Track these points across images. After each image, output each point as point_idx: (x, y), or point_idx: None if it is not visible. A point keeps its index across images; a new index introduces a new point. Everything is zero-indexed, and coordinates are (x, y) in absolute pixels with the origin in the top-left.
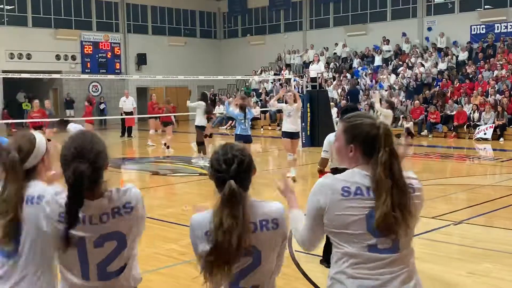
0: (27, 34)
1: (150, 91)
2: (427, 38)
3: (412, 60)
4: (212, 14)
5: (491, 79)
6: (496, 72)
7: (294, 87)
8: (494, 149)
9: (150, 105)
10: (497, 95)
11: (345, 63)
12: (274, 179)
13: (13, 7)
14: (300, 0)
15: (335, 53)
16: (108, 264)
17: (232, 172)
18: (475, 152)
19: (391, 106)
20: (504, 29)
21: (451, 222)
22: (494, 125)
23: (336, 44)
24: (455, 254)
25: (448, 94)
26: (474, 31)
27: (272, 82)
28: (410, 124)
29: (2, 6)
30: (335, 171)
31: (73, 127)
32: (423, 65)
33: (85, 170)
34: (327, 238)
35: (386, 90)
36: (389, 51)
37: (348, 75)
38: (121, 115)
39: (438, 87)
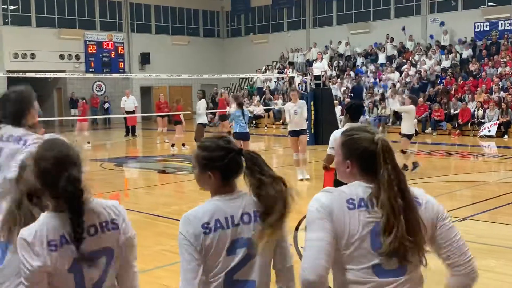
0: (31, 34)
1: (154, 90)
2: (431, 36)
3: (416, 58)
4: (215, 13)
5: (495, 76)
6: (500, 69)
7: (299, 85)
8: (498, 146)
9: (157, 104)
10: (501, 92)
11: (349, 61)
12: None
13: (17, 7)
14: None
15: (337, 52)
16: (103, 282)
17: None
18: (480, 149)
19: (414, 101)
20: (508, 26)
21: (456, 219)
22: (498, 122)
23: (340, 42)
24: None
25: (452, 92)
26: (477, 28)
27: (275, 81)
28: (414, 122)
29: (6, 6)
30: None
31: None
32: (425, 63)
33: (78, 175)
34: None
35: (390, 88)
36: (395, 45)
37: (352, 73)
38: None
39: (442, 84)
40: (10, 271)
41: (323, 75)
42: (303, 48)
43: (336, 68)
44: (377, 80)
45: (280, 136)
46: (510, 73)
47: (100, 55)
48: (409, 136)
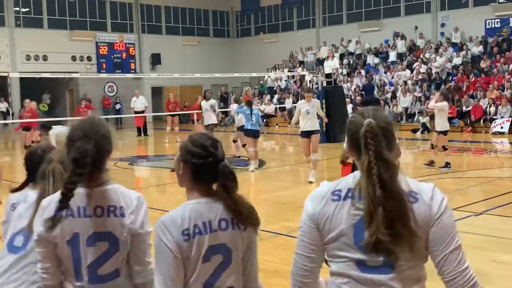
0: (43, 36)
1: (165, 90)
2: (442, 34)
3: (427, 55)
4: (225, 13)
5: (506, 73)
6: (511, 66)
7: (309, 83)
8: (511, 143)
9: (167, 104)
10: None
11: (359, 60)
12: None
13: (29, 9)
14: None
15: (347, 50)
16: (99, 266)
17: (221, 156)
18: (492, 145)
19: (445, 98)
20: None
21: (472, 213)
22: (510, 118)
23: (350, 41)
24: (477, 243)
25: (464, 89)
26: (488, 25)
27: (286, 80)
28: (426, 119)
29: (18, 8)
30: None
31: (55, 132)
32: (436, 60)
33: (90, 149)
34: None
35: (400, 86)
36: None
37: (363, 71)
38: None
39: (453, 82)
40: (31, 259)
41: (334, 73)
42: (313, 47)
43: (347, 66)
44: (389, 76)
45: (292, 135)
46: None
47: (112, 56)
48: (444, 133)
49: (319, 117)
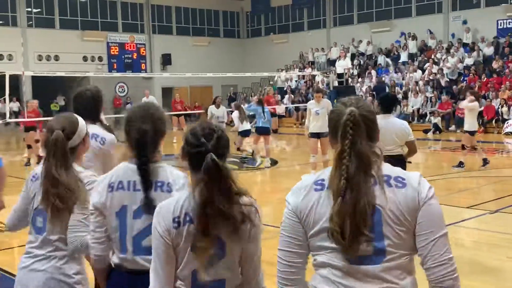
0: (55, 36)
1: (175, 91)
2: (452, 35)
3: (438, 55)
4: (235, 13)
5: None
6: None
7: (320, 83)
8: None
9: (172, 103)
10: None
11: (370, 60)
12: None
13: (41, 9)
14: None
15: (358, 51)
16: (144, 238)
17: (212, 146)
18: (504, 146)
19: (476, 97)
20: None
21: (487, 211)
22: None
23: (360, 41)
24: (493, 241)
25: (476, 89)
26: (500, 25)
27: (296, 80)
28: (437, 120)
29: (30, 9)
30: (387, 159)
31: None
32: (449, 60)
33: (148, 130)
34: None
35: (411, 86)
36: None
37: (373, 72)
38: None
39: (465, 82)
40: (52, 236)
41: (346, 73)
42: (324, 48)
43: (357, 67)
44: (400, 76)
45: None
46: None
47: (123, 57)
48: (472, 133)
49: None
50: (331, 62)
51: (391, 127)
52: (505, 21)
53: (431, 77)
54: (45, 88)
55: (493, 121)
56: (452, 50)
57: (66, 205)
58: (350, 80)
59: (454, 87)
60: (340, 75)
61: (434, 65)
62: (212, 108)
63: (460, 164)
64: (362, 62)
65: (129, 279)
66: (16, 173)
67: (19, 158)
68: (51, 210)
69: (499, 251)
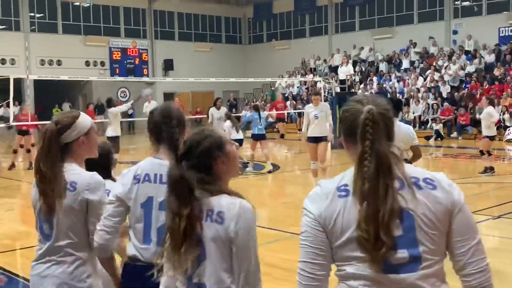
0: (58, 41)
1: (177, 96)
2: (454, 41)
3: (440, 63)
4: (238, 19)
5: None
6: None
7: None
8: None
9: None
10: None
11: (372, 67)
12: None
13: (44, 14)
14: (325, 4)
15: (359, 58)
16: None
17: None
18: (506, 153)
19: (491, 103)
20: None
21: (490, 217)
22: None
23: (362, 48)
24: (498, 245)
25: (477, 96)
26: (502, 33)
27: (298, 87)
28: (439, 126)
29: (33, 13)
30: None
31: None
32: (451, 68)
33: (173, 129)
34: None
35: (413, 93)
36: (419, 51)
37: (375, 79)
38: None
39: (467, 89)
40: (60, 243)
41: (348, 79)
42: (325, 55)
43: (359, 73)
44: (401, 84)
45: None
46: None
47: (125, 62)
48: (491, 138)
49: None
50: (333, 69)
51: (397, 131)
52: (506, 28)
53: (432, 84)
54: (48, 92)
55: (495, 128)
56: (454, 57)
57: (49, 201)
58: (353, 86)
59: (456, 94)
60: (342, 81)
61: (435, 72)
62: (212, 110)
63: (488, 170)
64: (363, 69)
65: (146, 271)
66: (18, 176)
67: (21, 162)
68: (44, 207)
69: (503, 255)
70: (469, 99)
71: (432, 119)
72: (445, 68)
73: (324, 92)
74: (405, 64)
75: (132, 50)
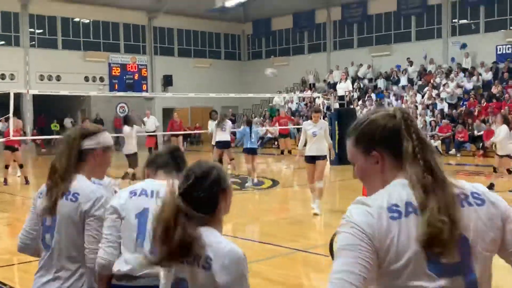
0: (57, 56)
1: (176, 112)
2: (452, 59)
3: (437, 80)
4: (237, 36)
5: None
6: None
7: (321, 105)
8: None
9: (170, 123)
10: None
11: (370, 83)
12: None
13: (43, 30)
14: (323, 22)
15: (357, 76)
16: None
17: (184, 188)
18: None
19: (506, 121)
20: None
21: None
22: None
23: (361, 65)
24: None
25: (476, 114)
26: (499, 51)
27: (297, 103)
28: (438, 143)
29: (33, 29)
30: None
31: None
32: (449, 86)
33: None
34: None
35: (411, 110)
36: (417, 70)
37: (373, 95)
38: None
39: (464, 106)
40: (60, 254)
41: (347, 95)
42: (323, 72)
43: (357, 90)
44: (400, 102)
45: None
46: None
47: (124, 77)
48: (510, 156)
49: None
50: (332, 85)
51: None
52: (504, 46)
53: (430, 102)
54: (47, 107)
55: (493, 145)
56: (452, 75)
57: (52, 202)
58: (351, 102)
59: (454, 111)
60: (341, 98)
61: (433, 89)
62: (210, 122)
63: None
64: (362, 86)
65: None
66: (14, 191)
67: (18, 177)
68: (47, 208)
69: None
70: (467, 116)
71: (430, 136)
72: (444, 85)
73: (323, 108)
74: (403, 81)
75: (132, 66)
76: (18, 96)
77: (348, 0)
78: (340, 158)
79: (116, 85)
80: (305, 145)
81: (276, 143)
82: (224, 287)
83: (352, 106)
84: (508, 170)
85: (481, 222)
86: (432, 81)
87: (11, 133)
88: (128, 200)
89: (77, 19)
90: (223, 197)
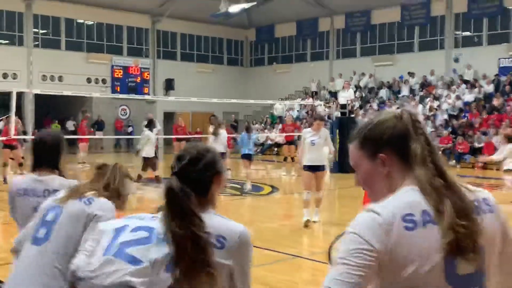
0: (60, 57)
1: (177, 115)
2: (454, 70)
3: (439, 91)
4: (240, 42)
5: None
6: None
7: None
8: None
9: (174, 127)
10: None
11: (371, 93)
12: None
13: (47, 30)
14: (327, 30)
15: (359, 85)
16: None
17: (179, 168)
18: (504, 182)
19: (509, 139)
20: None
21: None
22: None
23: (363, 74)
24: None
25: (477, 126)
26: (502, 64)
27: (298, 110)
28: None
29: (37, 29)
30: None
31: None
32: (450, 97)
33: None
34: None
35: None
36: (418, 82)
37: (375, 105)
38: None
39: (465, 118)
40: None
41: (349, 104)
42: (325, 80)
43: (359, 99)
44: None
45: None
46: None
47: (126, 80)
48: None
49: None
50: (333, 94)
51: None
52: (506, 59)
53: (431, 113)
54: (47, 108)
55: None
56: (453, 87)
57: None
58: (353, 111)
59: (455, 122)
60: (342, 106)
61: (434, 101)
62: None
63: None
64: (364, 95)
65: None
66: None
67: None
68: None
69: None
70: (468, 128)
71: None
72: (446, 96)
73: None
74: (405, 91)
75: (134, 69)
76: (19, 96)
77: (351, 9)
78: (340, 166)
79: (118, 87)
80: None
81: (276, 150)
82: (237, 266)
83: (353, 115)
84: None
85: (491, 231)
86: (433, 92)
87: (12, 131)
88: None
89: (81, 21)
90: (216, 180)
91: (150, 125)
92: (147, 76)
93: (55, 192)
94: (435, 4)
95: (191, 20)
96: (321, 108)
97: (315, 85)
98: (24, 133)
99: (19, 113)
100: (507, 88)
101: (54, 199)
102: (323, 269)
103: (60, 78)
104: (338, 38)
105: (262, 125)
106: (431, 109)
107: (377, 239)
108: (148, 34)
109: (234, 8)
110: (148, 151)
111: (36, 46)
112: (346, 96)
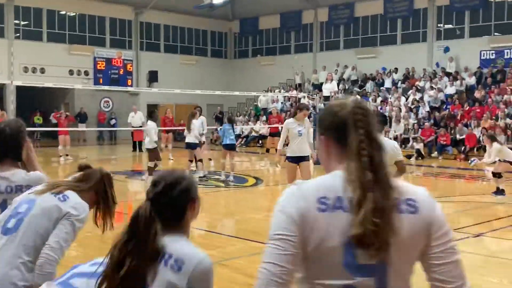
0: (42, 49)
1: (161, 108)
2: (437, 64)
3: (421, 84)
4: (224, 34)
5: (501, 103)
6: (506, 97)
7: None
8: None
9: (163, 119)
10: (507, 119)
11: (355, 85)
12: None
13: (29, 22)
14: (310, 22)
15: (342, 77)
16: None
17: (153, 194)
18: (485, 173)
19: (492, 139)
20: None
21: (470, 235)
22: None
23: (346, 66)
24: (479, 262)
25: (458, 117)
26: (483, 56)
27: (282, 102)
28: (420, 146)
29: (18, 21)
30: None
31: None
32: (433, 89)
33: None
34: None
35: (394, 112)
36: (401, 74)
37: (358, 97)
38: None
39: (447, 110)
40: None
41: (332, 96)
42: (309, 72)
43: (342, 91)
44: (385, 105)
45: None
46: None
47: (109, 72)
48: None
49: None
50: (316, 86)
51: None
52: (488, 52)
53: (414, 105)
54: (29, 100)
55: (475, 149)
56: (436, 79)
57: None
58: None
59: (437, 114)
60: (326, 98)
61: (417, 93)
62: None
63: (501, 192)
64: (347, 87)
65: None
66: None
67: None
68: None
69: (485, 273)
70: (450, 120)
71: (413, 138)
72: (428, 89)
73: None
74: (387, 83)
75: (117, 61)
76: (1, 88)
77: (335, 2)
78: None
79: (101, 79)
80: (286, 144)
81: (260, 142)
82: None
83: None
84: (494, 174)
85: (407, 231)
86: (416, 84)
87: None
88: None
89: (63, 12)
90: (191, 207)
91: (152, 116)
92: (130, 68)
93: (19, 187)
94: None
95: (175, 12)
96: (304, 100)
97: (299, 77)
98: None
99: (1, 105)
100: (489, 80)
101: (31, 191)
102: None
103: (42, 70)
104: (322, 31)
105: (246, 117)
106: (413, 101)
107: (296, 208)
108: (131, 26)
109: (218, 0)
110: (150, 142)
111: (17, 37)
112: (329, 88)
